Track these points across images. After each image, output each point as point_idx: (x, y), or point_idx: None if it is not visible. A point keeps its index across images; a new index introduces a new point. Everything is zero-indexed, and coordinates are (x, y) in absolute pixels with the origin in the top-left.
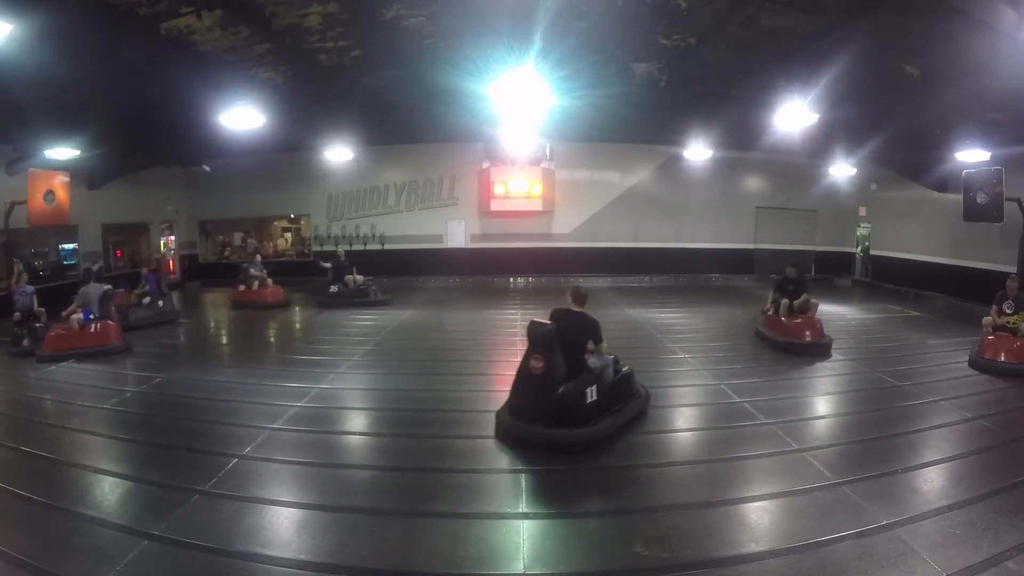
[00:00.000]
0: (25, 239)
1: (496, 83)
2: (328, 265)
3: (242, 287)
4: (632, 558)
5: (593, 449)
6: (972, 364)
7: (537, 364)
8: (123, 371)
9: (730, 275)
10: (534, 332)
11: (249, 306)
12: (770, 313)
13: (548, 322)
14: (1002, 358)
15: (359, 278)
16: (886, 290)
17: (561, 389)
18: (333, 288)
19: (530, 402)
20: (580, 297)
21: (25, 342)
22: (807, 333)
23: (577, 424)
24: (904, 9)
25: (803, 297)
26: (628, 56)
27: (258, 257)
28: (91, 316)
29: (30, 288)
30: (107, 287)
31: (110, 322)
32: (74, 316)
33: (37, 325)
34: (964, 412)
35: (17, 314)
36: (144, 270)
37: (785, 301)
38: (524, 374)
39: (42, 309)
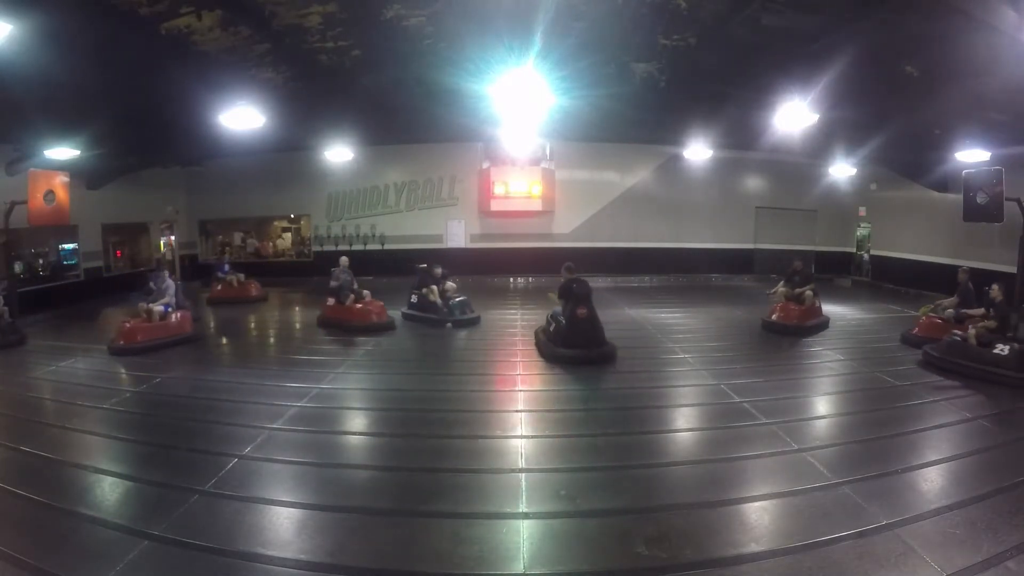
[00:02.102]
0: (25, 239)
1: (496, 83)
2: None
3: (331, 301)
4: (632, 558)
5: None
6: (903, 340)
7: (583, 311)
8: (123, 371)
9: (730, 275)
10: (580, 292)
11: (344, 327)
12: (770, 294)
13: (586, 283)
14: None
15: (450, 286)
16: (886, 290)
17: (600, 323)
18: (413, 298)
19: (584, 335)
20: (573, 269)
21: None
22: (786, 316)
23: (606, 344)
24: (904, 9)
25: (806, 288)
26: (628, 56)
27: (344, 260)
28: (169, 308)
29: None
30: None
31: (187, 312)
32: (156, 308)
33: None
34: (964, 412)
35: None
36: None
37: (784, 289)
38: (574, 320)
39: (5, 307)
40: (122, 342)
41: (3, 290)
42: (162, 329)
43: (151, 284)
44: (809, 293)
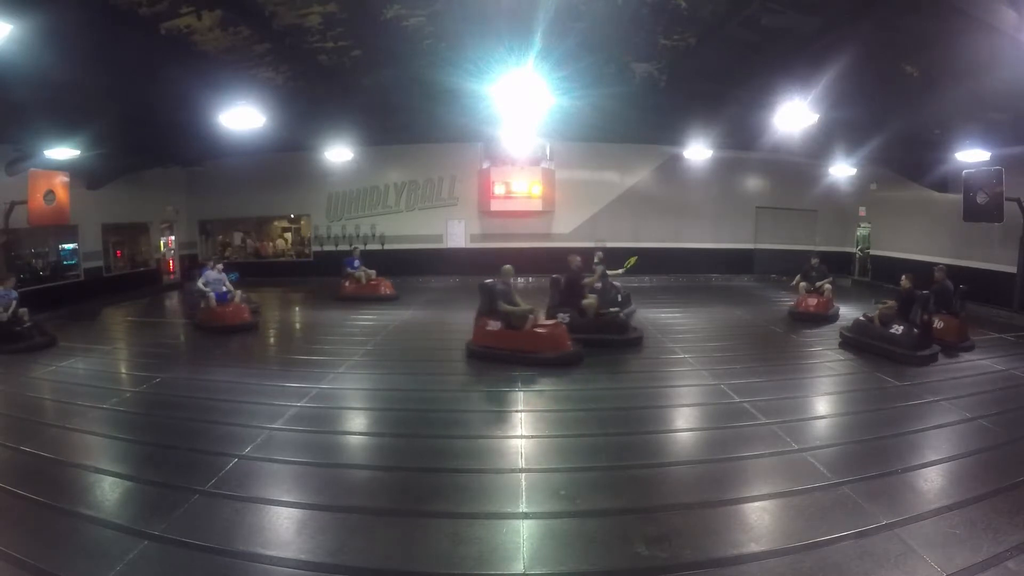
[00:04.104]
0: (25, 239)
1: (496, 83)
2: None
3: (493, 324)
4: (632, 558)
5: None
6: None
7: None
8: (123, 371)
9: (730, 275)
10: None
11: (519, 358)
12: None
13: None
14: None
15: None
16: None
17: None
18: (563, 316)
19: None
20: (603, 258)
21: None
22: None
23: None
24: (904, 9)
25: (824, 281)
26: (628, 56)
27: (508, 268)
28: (228, 294)
29: (14, 293)
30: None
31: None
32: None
33: (19, 328)
34: (964, 412)
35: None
36: (211, 264)
37: (805, 284)
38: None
39: (25, 309)
40: (222, 322)
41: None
42: (239, 311)
43: (199, 281)
44: (828, 286)
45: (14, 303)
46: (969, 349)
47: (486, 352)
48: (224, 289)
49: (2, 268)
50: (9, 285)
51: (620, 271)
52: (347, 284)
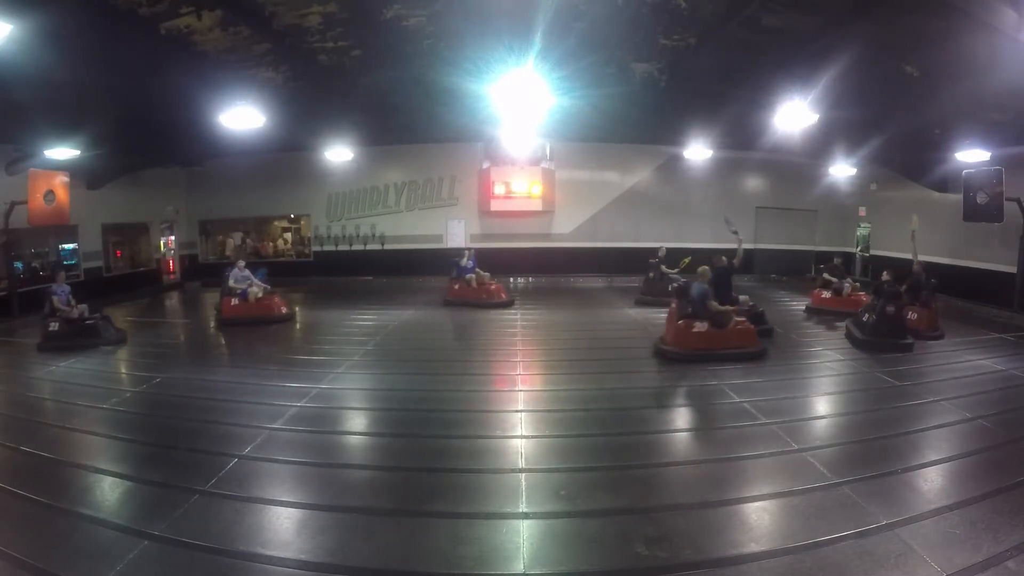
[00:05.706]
0: (25, 239)
1: (496, 83)
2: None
3: (699, 325)
4: (632, 558)
5: None
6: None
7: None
8: (123, 371)
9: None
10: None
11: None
12: (823, 296)
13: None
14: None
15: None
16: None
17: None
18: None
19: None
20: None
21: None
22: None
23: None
24: (904, 9)
25: (844, 280)
26: (628, 56)
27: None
28: (247, 291)
29: (67, 287)
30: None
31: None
32: (252, 290)
33: (89, 323)
34: (964, 412)
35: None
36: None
37: (847, 284)
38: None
39: (84, 305)
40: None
41: (65, 280)
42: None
43: (230, 280)
44: (856, 284)
45: (71, 299)
46: (938, 338)
47: (696, 356)
48: (246, 285)
49: (2, 269)
50: (61, 280)
51: (676, 270)
52: (456, 287)
